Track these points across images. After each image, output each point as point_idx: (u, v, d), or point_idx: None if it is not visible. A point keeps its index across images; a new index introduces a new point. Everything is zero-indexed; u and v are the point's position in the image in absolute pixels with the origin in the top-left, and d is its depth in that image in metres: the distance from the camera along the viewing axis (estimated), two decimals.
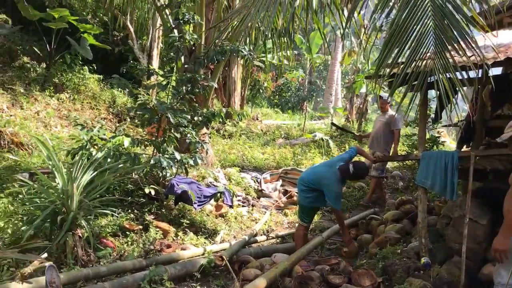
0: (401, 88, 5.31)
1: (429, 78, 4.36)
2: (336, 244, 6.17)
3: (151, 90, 7.43)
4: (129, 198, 5.82)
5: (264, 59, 15.42)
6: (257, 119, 15.48)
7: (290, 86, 22.64)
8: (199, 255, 4.99)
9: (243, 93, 15.21)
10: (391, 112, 8.07)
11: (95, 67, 12.45)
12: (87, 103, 11.35)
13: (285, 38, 7.72)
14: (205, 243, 5.57)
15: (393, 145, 7.79)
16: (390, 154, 7.68)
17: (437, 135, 8.22)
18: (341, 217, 5.40)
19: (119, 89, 12.48)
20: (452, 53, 4.04)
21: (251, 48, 8.51)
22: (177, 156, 5.50)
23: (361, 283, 4.61)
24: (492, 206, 5.10)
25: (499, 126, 6.16)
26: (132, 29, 12.96)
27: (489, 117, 6.22)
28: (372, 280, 4.63)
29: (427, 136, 7.98)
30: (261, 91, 18.09)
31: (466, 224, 4.36)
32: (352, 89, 15.65)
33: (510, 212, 3.35)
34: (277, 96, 22.55)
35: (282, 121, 16.74)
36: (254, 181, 9.01)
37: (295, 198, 8.47)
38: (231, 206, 6.64)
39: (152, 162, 5.24)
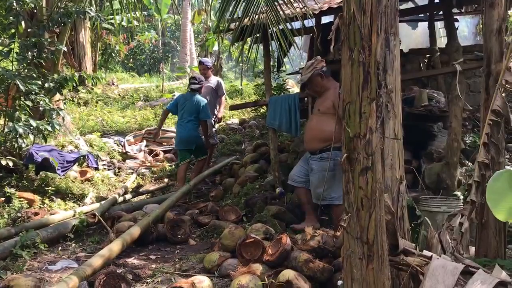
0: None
1: (269, 30, 4.90)
2: (203, 190, 6.64)
3: None
4: None
5: (113, 21, 14.86)
6: (113, 84, 15.03)
7: (144, 48, 22.18)
8: (70, 217, 5.04)
9: (94, 58, 14.57)
10: (214, 77, 7.85)
11: None
12: None
13: None
14: (74, 207, 5.61)
15: (219, 110, 7.70)
16: (218, 118, 7.71)
17: (283, 83, 9.00)
18: (207, 127, 6.69)
19: None
20: (283, 6, 4.59)
21: (97, 9, 8.30)
22: (33, 123, 5.35)
23: (227, 218, 5.15)
24: None
25: (333, 70, 7.08)
26: None
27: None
28: (237, 214, 5.21)
29: (274, 84, 8.73)
30: (113, 55, 17.46)
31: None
32: (205, 47, 16.01)
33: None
34: (131, 60, 21.96)
35: (140, 84, 16.52)
36: (118, 145, 9.00)
37: (160, 157, 8.73)
38: (96, 169, 6.69)
39: (6, 130, 5.05)
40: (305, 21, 5.10)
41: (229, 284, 3.48)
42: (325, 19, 7.16)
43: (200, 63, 7.80)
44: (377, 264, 2.22)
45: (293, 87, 13.96)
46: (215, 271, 3.79)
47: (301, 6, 4.55)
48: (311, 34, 7.09)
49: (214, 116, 7.54)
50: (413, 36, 11.64)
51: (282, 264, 3.50)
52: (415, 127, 5.33)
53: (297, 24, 5.68)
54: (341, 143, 4.15)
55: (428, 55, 7.55)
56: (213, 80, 7.62)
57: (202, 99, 6.50)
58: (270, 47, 5.66)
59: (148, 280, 3.78)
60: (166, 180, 7.53)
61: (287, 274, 3.17)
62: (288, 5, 4.52)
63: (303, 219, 4.79)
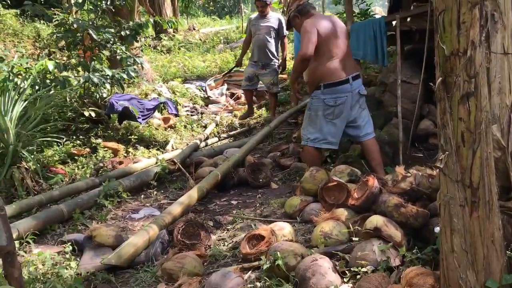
0: None
1: None
2: (285, 133, 6.34)
3: (71, 13, 6.98)
4: (72, 126, 5.72)
5: None
6: (194, 29, 14.96)
7: None
8: (152, 165, 5.04)
9: (174, 4, 14.50)
10: (274, 14, 6.84)
11: (9, 1, 11.46)
12: (9, 41, 10.61)
13: None
14: (157, 154, 5.61)
15: (284, 54, 6.95)
16: (283, 63, 6.92)
17: (367, 8, 8.13)
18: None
19: (42, 21, 11.68)
20: None
21: None
22: (108, 72, 5.33)
23: None
24: (423, 65, 5.31)
25: None
26: None
27: None
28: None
29: (357, 11, 7.96)
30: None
31: (399, 86, 4.53)
32: None
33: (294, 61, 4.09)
34: (211, 3, 21.71)
35: (220, 27, 16.28)
36: (200, 90, 8.95)
37: (242, 99, 8.52)
38: (176, 115, 6.65)
39: (82, 80, 5.08)
40: None
41: (312, 230, 3.24)
42: None
43: None
44: (483, 211, 1.80)
45: (380, 14, 12.86)
46: (297, 217, 3.56)
47: None
48: None
49: (278, 61, 6.82)
50: None
51: (370, 209, 3.14)
52: None
53: None
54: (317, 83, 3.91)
55: None
56: (273, 18, 6.65)
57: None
58: None
59: (229, 227, 3.66)
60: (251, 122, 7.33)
61: (375, 220, 2.81)
62: None
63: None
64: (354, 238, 2.87)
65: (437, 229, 2.73)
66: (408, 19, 5.38)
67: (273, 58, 6.67)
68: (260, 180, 4.60)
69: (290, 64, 7.52)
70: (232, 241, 3.36)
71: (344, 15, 9.05)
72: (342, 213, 3.19)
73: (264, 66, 6.68)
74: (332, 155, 4.83)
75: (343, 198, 3.36)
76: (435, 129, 5.03)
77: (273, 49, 6.61)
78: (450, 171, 1.80)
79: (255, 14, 7.06)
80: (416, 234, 2.87)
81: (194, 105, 8.23)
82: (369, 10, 7.91)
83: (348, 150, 4.56)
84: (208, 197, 4.32)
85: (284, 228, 3.15)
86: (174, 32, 13.17)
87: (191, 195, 3.88)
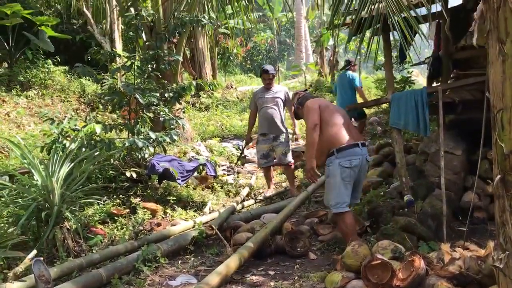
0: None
1: (389, 20, 4.39)
2: (322, 197, 6.27)
3: (118, 74, 7.30)
4: (113, 184, 5.83)
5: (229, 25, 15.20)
6: (232, 87, 15.38)
7: (260, 49, 22.46)
8: (190, 228, 5.04)
9: (213, 63, 15.04)
10: (278, 86, 6.90)
11: (59, 59, 12.13)
12: (56, 96, 11.12)
13: (244, 1, 7.60)
14: (194, 215, 5.63)
15: (294, 125, 6.92)
16: (292, 134, 6.97)
17: (408, 75, 8.16)
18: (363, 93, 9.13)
19: (87, 77, 12.27)
20: None
21: (212, 15, 8.39)
22: (152, 135, 5.49)
23: None
24: (466, 136, 5.24)
25: (465, 58, 6.25)
26: (89, 14, 12.57)
27: (454, 49, 6.27)
28: (359, 224, 4.76)
29: (399, 77, 8.00)
30: (231, 58, 17.91)
31: (442, 157, 4.46)
32: (320, 42, 15.57)
33: (306, 137, 4.30)
34: (249, 61, 22.39)
35: (257, 86, 16.67)
36: (236, 149, 9.05)
37: None
38: (215, 177, 6.70)
39: (127, 144, 5.23)
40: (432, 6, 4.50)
41: None
42: (453, 2, 6.32)
43: (266, 71, 6.51)
44: None
45: (418, 76, 12.92)
46: None
47: None
48: (437, 20, 6.32)
49: (287, 131, 6.65)
50: None
51: None
52: None
53: (422, 10, 5.06)
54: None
55: None
56: (279, 91, 6.62)
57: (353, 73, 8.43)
58: (392, 37, 5.11)
59: None
60: (284, 184, 7.33)
61: None
62: None
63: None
64: None
65: None
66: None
67: (283, 128, 6.54)
68: (298, 249, 4.51)
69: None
70: None
71: (384, 81, 9.14)
72: None
73: (275, 137, 6.53)
74: (372, 225, 4.73)
75: (387, 277, 3.23)
76: (480, 202, 4.88)
77: (282, 119, 6.56)
78: (511, 271, 1.72)
79: (258, 87, 7.31)
80: None
81: (231, 164, 8.31)
82: (409, 78, 7.92)
83: (389, 222, 4.44)
84: (245, 265, 4.23)
85: None
86: (212, 90, 13.57)
87: (229, 265, 3.82)
